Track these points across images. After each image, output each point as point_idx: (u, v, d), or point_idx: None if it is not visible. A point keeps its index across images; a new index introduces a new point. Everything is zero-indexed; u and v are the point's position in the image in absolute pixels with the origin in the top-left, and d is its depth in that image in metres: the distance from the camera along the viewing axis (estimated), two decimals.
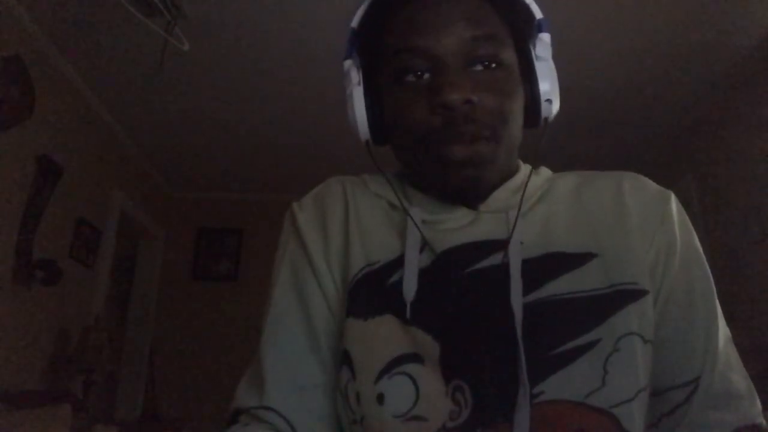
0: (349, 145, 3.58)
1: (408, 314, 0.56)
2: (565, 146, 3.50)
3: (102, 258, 3.26)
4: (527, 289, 0.55)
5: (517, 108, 0.59)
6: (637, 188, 0.62)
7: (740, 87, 2.81)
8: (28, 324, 2.56)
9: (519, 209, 0.59)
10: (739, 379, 0.58)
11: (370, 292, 0.60)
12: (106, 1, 2.23)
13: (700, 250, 0.62)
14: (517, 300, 0.54)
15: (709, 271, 0.62)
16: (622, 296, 0.56)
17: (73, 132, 2.90)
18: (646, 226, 0.60)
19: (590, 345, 0.53)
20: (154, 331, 4.08)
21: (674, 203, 0.62)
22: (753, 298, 2.67)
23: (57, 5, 2.34)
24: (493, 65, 0.58)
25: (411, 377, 0.54)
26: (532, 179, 0.64)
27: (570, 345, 0.53)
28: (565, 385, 0.52)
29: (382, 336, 0.57)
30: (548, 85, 0.61)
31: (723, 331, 0.59)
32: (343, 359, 0.58)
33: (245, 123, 3.37)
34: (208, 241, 4.38)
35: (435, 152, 0.57)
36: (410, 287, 0.57)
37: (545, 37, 0.62)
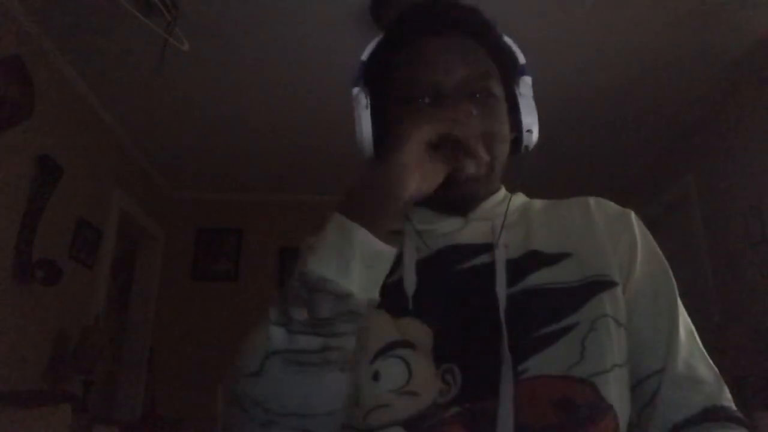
0: (348, 145, 3.57)
1: (410, 305, 0.63)
2: (565, 146, 3.50)
3: (102, 258, 3.26)
4: (511, 282, 0.63)
5: (506, 132, 0.70)
6: (602, 205, 0.72)
7: (740, 87, 2.81)
8: (28, 324, 2.56)
9: (506, 211, 0.70)
10: (704, 368, 0.64)
11: None
12: (106, 1, 2.23)
13: (660, 253, 0.70)
14: (501, 288, 0.62)
15: (669, 270, 0.69)
16: (596, 285, 0.64)
17: (73, 132, 2.90)
18: (612, 232, 0.69)
19: (570, 327, 0.61)
20: (154, 331, 4.08)
21: (634, 217, 0.72)
22: (753, 299, 2.67)
23: (57, 5, 2.34)
24: (485, 94, 0.68)
25: (404, 360, 0.61)
26: (514, 199, 0.75)
27: (551, 328, 0.60)
28: (547, 361, 0.59)
29: (378, 325, 0.62)
30: (529, 118, 0.72)
31: (685, 323, 0.66)
32: None
33: (245, 123, 3.37)
34: (208, 241, 4.38)
35: None
36: (410, 283, 0.64)
37: (527, 80, 0.74)
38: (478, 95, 0.67)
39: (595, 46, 2.62)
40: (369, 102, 0.73)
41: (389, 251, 0.54)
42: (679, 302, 0.67)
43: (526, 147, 0.73)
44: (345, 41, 2.53)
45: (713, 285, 2.97)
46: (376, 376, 0.60)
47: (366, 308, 0.54)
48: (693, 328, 0.67)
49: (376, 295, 0.54)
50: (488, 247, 0.67)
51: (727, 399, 0.62)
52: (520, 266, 0.65)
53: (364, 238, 0.52)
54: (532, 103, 0.73)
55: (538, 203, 0.75)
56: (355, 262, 0.52)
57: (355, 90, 0.74)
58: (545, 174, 3.59)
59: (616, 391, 0.60)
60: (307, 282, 0.51)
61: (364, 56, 0.75)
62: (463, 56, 0.68)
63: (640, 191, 3.89)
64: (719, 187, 3.01)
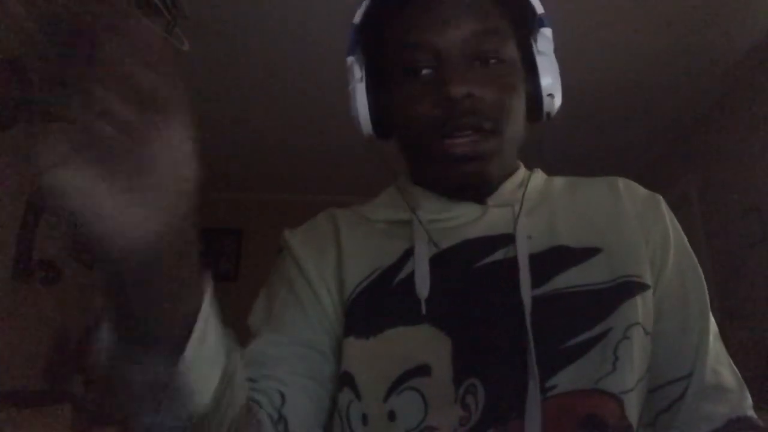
0: (350, 145, 3.58)
1: (423, 310, 0.56)
2: (565, 146, 3.49)
3: None
4: (536, 283, 0.56)
5: (518, 103, 0.60)
6: (631, 189, 0.66)
7: (740, 87, 2.81)
8: (28, 324, 2.56)
9: (521, 204, 0.61)
10: (728, 373, 0.60)
11: (370, 305, 0.59)
12: None
13: (690, 248, 0.64)
14: (526, 292, 0.55)
15: (699, 268, 0.64)
16: (629, 288, 0.57)
17: None
18: (643, 224, 0.62)
19: (602, 335, 0.54)
20: None
21: (664, 204, 0.65)
22: (753, 298, 2.67)
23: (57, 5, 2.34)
24: (494, 61, 0.58)
25: (419, 391, 0.54)
26: (533, 178, 0.66)
27: (582, 337, 0.54)
28: (577, 376, 0.53)
29: (387, 354, 0.56)
30: (550, 80, 0.62)
31: (712, 326, 0.61)
32: (344, 381, 0.58)
33: (245, 123, 3.37)
34: (208, 241, 4.38)
35: (437, 146, 0.57)
36: (424, 282, 0.57)
37: (547, 32, 0.63)
38: (484, 59, 0.58)
39: (594, 47, 2.62)
40: (364, 74, 0.65)
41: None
42: (708, 303, 0.62)
43: (548, 114, 0.63)
44: (346, 40, 2.52)
45: (713, 285, 2.97)
46: (391, 416, 0.54)
47: (188, 426, 0.40)
48: (716, 328, 0.62)
49: (191, 407, 0.40)
50: (509, 239, 0.59)
51: (749, 407, 0.59)
52: (546, 264, 0.57)
53: (121, 370, 0.38)
54: (554, 62, 0.63)
55: (559, 182, 0.68)
56: (133, 395, 0.39)
57: (349, 60, 0.65)
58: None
59: (636, 410, 0.56)
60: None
61: (357, 18, 0.64)
62: (468, 10, 0.58)
63: None
64: (719, 187, 3.00)
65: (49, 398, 2.40)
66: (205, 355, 0.39)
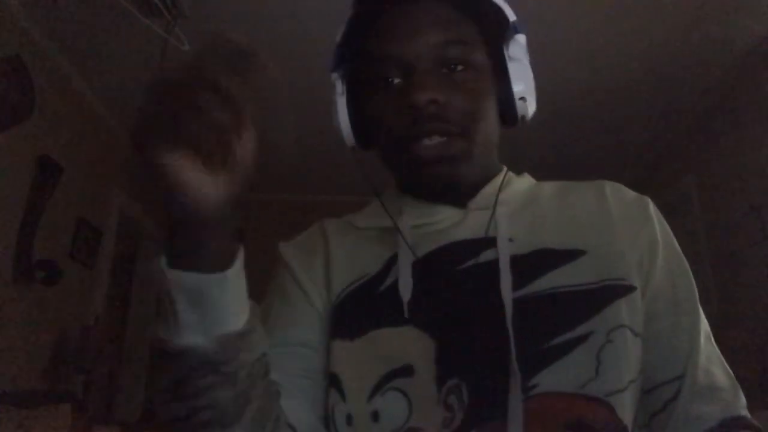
0: None
1: (406, 313, 0.57)
2: (565, 146, 3.50)
3: (102, 258, 3.26)
4: (518, 284, 0.57)
5: (488, 107, 0.62)
6: (618, 193, 0.66)
7: (740, 87, 2.81)
8: (28, 324, 2.56)
9: (494, 206, 0.62)
10: (721, 373, 0.60)
11: (356, 308, 0.61)
12: (106, 1, 2.23)
13: (680, 250, 0.65)
14: (507, 293, 0.56)
15: (689, 269, 0.64)
16: (613, 290, 0.58)
17: (73, 132, 2.89)
18: (630, 227, 0.62)
19: (584, 337, 0.55)
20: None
21: (652, 207, 0.65)
22: (753, 298, 2.67)
23: (57, 5, 2.34)
24: (461, 67, 0.61)
25: (402, 391, 0.56)
26: (519, 182, 0.68)
27: (563, 338, 0.55)
28: (559, 376, 0.53)
29: (370, 355, 0.58)
30: (522, 85, 0.64)
31: (704, 326, 0.62)
32: (330, 382, 0.60)
33: None
34: None
35: (405, 151, 0.60)
36: (406, 286, 0.59)
37: (520, 39, 0.64)
38: (453, 66, 0.60)
39: (595, 48, 2.63)
40: (345, 88, 0.69)
41: (212, 279, 0.46)
42: (699, 304, 0.62)
43: (522, 117, 0.65)
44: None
45: (713, 285, 2.97)
46: (375, 417, 0.56)
47: (220, 350, 0.47)
48: (709, 329, 0.62)
49: (226, 328, 0.48)
50: (491, 242, 0.60)
51: (743, 406, 0.59)
52: (529, 266, 0.58)
53: (176, 278, 0.45)
54: (526, 67, 0.64)
55: (548, 187, 0.69)
56: (180, 307, 0.45)
57: (333, 75, 0.70)
58: (544, 175, 3.59)
59: (630, 411, 0.55)
60: (153, 348, 0.48)
61: (338, 36, 0.68)
62: (435, 21, 0.60)
63: (640, 191, 3.88)
64: (719, 187, 3.00)
65: (49, 398, 2.40)
66: (240, 285, 0.51)
